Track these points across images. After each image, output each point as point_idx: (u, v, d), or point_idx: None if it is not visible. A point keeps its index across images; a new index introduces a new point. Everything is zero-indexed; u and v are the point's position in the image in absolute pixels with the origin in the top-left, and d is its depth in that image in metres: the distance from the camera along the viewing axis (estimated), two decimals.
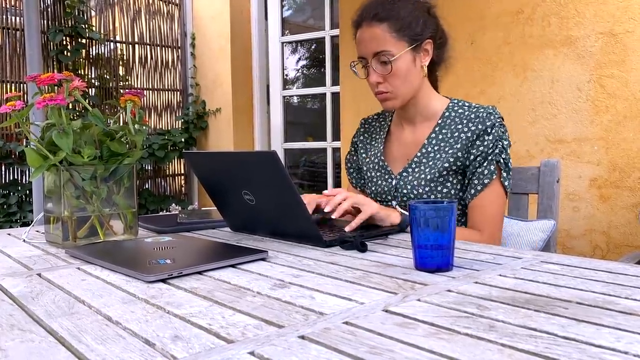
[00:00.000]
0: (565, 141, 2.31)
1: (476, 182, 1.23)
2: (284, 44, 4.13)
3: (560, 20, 2.30)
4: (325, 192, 1.20)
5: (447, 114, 1.30)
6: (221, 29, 4.21)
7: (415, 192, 1.28)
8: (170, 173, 4.58)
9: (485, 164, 1.22)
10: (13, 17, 3.78)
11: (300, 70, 4.33)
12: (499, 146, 1.23)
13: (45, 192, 1.10)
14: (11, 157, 3.75)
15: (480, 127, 1.23)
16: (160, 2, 4.43)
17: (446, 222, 0.77)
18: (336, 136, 3.74)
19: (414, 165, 1.31)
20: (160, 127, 4.46)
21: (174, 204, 4.33)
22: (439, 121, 1.30)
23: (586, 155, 2.25)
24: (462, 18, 2.60)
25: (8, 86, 3.76)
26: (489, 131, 1.23)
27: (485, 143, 1.22)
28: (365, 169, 1.44)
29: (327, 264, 0.85)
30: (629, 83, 2.13)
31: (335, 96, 3.69)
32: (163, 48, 4.47)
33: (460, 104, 1.32)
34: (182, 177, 4.65)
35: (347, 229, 1.09)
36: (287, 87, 4.20)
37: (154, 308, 0.63)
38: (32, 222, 1.26)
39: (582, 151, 2.26)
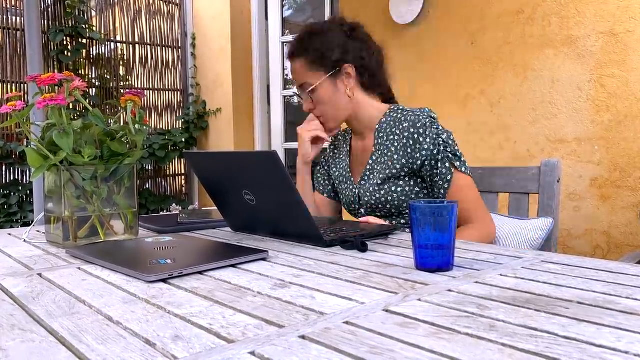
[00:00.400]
0: (565, 141, 2.31)
1: (440, 183, 1.28)
2: (285, 44, 4.13)
3: (561, 20, 2.30)
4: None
5: (383, 119, 1.38)
6: (222, 29, 4.21)
7: (374, 197, 1.34)
8: (171, 173, 4.58)
9: (439, 165, 1.27)
10: (14, 17, 3.79)
11: None
12: (440, 142, 1.27)
13: (45, 192, 1.10)
14: (12, 157, 3.75)
15: (412, 130, 1.28)
16: (161, 2, 4.43)
17: (447, 222, 0.77)
18: None
19: (367, 173, 1.38)
20: (161, 127, 4.46)
21: (174, 204, 4.33)
22: (377, 127, 1.38)
23: (587, 155, 2.25)
24: (463, 18, 2.60)
25: (9, 86, 3.76)
26: (422, 132, 1.28)
27: (426, 146, 1.27)
28: (336, 182, 1.52)
29: (328, 264, 0.85)
30: (630, 83, 2.13)
31: None
32: (163, 48, 4.47)
33: (395, 109, 1.38)
34: (183, 177, 4.65)
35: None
36: (287, 87, 4.20)
37: (155, 308, 0.63)
38: (32, 222, 1.26)
39: (583, 151, 2.26)
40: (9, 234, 1.23)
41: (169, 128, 4.47)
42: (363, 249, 0.94)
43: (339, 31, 1.37)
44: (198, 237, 1.14)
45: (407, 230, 1.28)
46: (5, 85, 3.74)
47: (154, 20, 4.42)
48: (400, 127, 1.31)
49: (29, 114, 1.05)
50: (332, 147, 1.59)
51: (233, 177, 1.08)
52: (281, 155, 4.13)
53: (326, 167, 1.59)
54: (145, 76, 4.40)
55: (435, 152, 1.27)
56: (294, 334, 0.53)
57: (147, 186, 4.41)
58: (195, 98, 4.49)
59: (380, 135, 1.36)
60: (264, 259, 0.89)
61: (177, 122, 4.51)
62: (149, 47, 4.40)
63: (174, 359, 0.47)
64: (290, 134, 4.18)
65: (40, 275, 0.81)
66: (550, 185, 1.41)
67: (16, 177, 3.81)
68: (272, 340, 0.51)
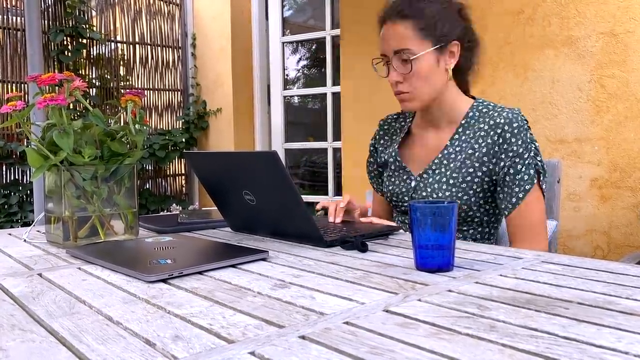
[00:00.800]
0: (566, 141, 2.31)
1: (517, 189, 1.16)
2: (285, 44, 4.13)
3: (561, 20, 2.30)
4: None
5: (470, 114, 1.25)
6: (222, 29, 4.21)
7: (435, 195, 1.23)
8: (171, 173, 4.58)
9: (523, 169, 1.16)
10: (14, 17, 3.79)
11: (300, 70, 4.33)
12: (532, 149, 1.17)
13: (46, 192, 1.10)
14: (12, 157, 3.75)
15: (507, 128, 1.17)
16: (161, 2, 4.43)
17: (447, 223, 0.77)
18: (337, 136, 3.74)
19: (434, 167, 1.26)
20: (161, 127, 4.46)
21: (174, 204, 4.33)
22: (463, 122, 1.25)
23: (587, 155, 2.25)
24: None
25: (9, 86, 3.76)
26: (517, 133, 1.17)
27: (515, 148, 1.16)
28: (382, 168, 1.41)
29: (328, 264, 0.85)
30: (630, 83, 2.13)
31: (336, 96, 3.69)
32: (164, 48, 4.47)
33: (485, 103, 1.26)
34: (183, 177, 4.65)
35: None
36: (287, 87, 4.20)
37: (155, 308, 0.63)
38: (32, 222, 1.26)
39: (583, 151, 2.26)
40: (9, 234, 1.23)
41: (169, 128, 4.47)
42: (363, 249, 0.94)
43: (451, 5, 1.24)
44: (198, 237, 1.14)
45: (470, 240, 1.22)
46: (5, 85, 3.74)
47: (154, 20, 4.42)
48: (492, 122, 1.19)
49: (29, 114, 1.05)
50: (381, 132, 1.44)
51: (233, 177, 1.08)
52: (281, 155, 4.13)
53: (375, 162, 1.45)
54: (146, 76, 4.40)
55: (525, 155, 1.16)
56: (294, 334, 0.53)
57: (147, 186, 4.41)
58: (195, 98, 4.49)
59: (467, 131, 1.24)
60: (264, 259, 0.89)
61: (177, 122, 4.51)
62: (149, 47, 4.40)
63: (174, 359, 0.47)
64: (291, 134, 4.18)
65: (40, 275, 0.81)
66: (550, 186, 1.41)
67: (16, 177, 3.81)
68: (272, 341, 0.51)
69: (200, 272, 0.80)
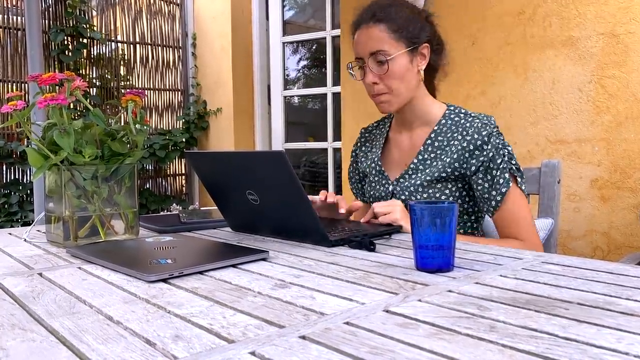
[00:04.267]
0: (566, 142, 2.31)
1: (494, 193, 1.21)
2: (285, 44, 4.13)
3: (562, 20, 2.30)
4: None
5: (443, 121, 1.31)
6: (222, 29, 4.21)
7: (413, 198, 1.29)
8: (171, 173, 4.58)
9: (498, 174, 1.21)
10: (14, 17, 3.79)
11: (301, 71, 4.33)
12: (505, 154, 1.22)
13: (46, 191, 1.10)
14: (12, 156, 3.75)
15: (476, 136, 1.23)
16: (162, 2, 4.43)
17: (447, 223, 0.77)
18: (337, 136, 3.74)
19: (410, 172, 1.31)
20: (161, 127, 4.46)
21: (175, 204, 4.33)
22: (435, 127, 1.31)
23: (587, 156, 2.25)
24: (463, 18, 2.60)
25: (9, 86, 3.76)
26: (487, 141, 1.22)
27: (485, 153, 1.21)
28: (364, 175, 1.46)
29: (328, 264, 0.85)
30: (630, 84, 2.13)
31: (336, 96, 3.69)
32: (164, 48, 4.47)
33: (456, 111, 1.32)
34: (183, 177, 4.65)
35: (362, 220, 1.18)
36: (288, 87, 4.20)
37: (155, 308, 0.63)
38: (33, 221, 1.26)
39: (583, 152, 2.26)
40: (10, 234, 1.23)
41: (170, 128, 4.47)
42: (372, 248, 0.94)
43: (419, 11, 1.32)
44: (198, 237, 1.14)
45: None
46: (6, 85, 3.74)
47: (155, 20, 4.42)
48: (464, 132, 1.25)
49: (29, 114, 1.05)
50: (362, 139, 1.51)
51: (236, 177, 1.08)
52: None
53: (356, 168, 1.51)
54: (146, 76, 4.40)
55: (498, 160, 1.21)
56: (294, 334, 0.53)
57: (148, 186, 4.41)
58: (195, 98, 4.49)
59: (439, 138, 1.29)
60: (264, 259, 0.89)
61: (178, 122, 4.51)
62: (149, 47, 4.40)
63: (174, 358, 0.47)
64: (291, 134, 4.18)
65: (40, 274, 0.81)
66: (550, 186, 1.41)
67: (16, 177, 3.81)
68: (273, 341, 0.51)
69: (200, 272, 0.80)
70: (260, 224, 1.14)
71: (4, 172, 3.77)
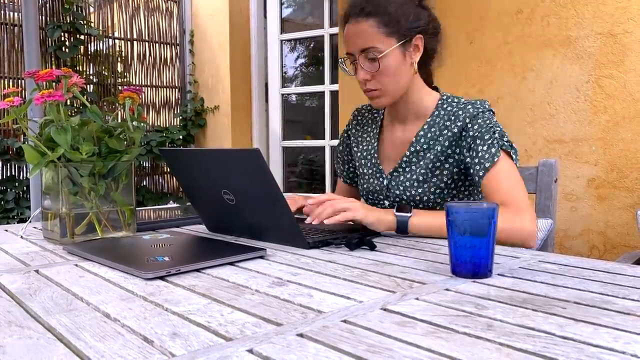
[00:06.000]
0: (563, 141, 2.31)
1: (482, 160, 1.15)
2: (283, 41, 4.13)
3: (559, 20, 2.30)
4: (310, 201, 1.13)
5: (436, 112, 1.27)
6: (220, 26, 4.20)
7: (408, 193, 1.26)
8: (168, 170, 4.57)
9: (485, 148, 1.15)
10: (11, 13, 3.77)
11: (299, 69, 4.32)
12: (497, 131, 1.17)
13: (43, 188, 1.10)
14: (9, 153, 3.74)
15: (467, 121, 1.19)
16: None
17: (485, 227, 0.73)
18: (334, 134, 3.74)
19: (404, 165, 1.28)
20: (159, 124, 4.45)
21: (171, 201, 4.32)
22: (429, 119, 1.27)
23: (584, 155, 2.26)
24: (462, 18, 2.60)
25: (6, 82, 3.75)
26: (476, 121, 1.18)
27: (476, 127, 1.17)
28: (357, 164, 1.41)
29: (326, 262, 0.85)
30: (628, 84, 2.14)
31: (334, 94, 3.68)
32: (162, 45, 4.46)
33: (449, 100, 1.27)
34: None
35: (308, 221, 1.06)
36: (285, 85, 4.19)
37: (152, 305, 0.63)
38: (29, 218, 1.26)
39: (580, 151, 2.26)
40: (6, 230, 1.23)
41: (167, 125, 4.46)
42: (372, 247, 0.94)
43: None
44: (195, 234, 1.14)
45: None
46: (2, 81, 3.73)
47: (152, 17, 4.41)
48: (457, 120, 1.21)
49: (26, 110, 1.04)
50: (354, 122, 1.46)
51: (212, 175, 1.04)
52: (279, 153, 4.13)
53: (346, 149, 1.46)
54: (143, 73, 4.38)
55: (487, 137, 1.15)
56: (292, 332, 0.53)
57: (145, 183, 4.41)
58: (193, 95, 4.48)
59: (432, 129, 1.25)
60: (261, 257, 0.89)
61: (175, 119, 4.50)
62: (147, 43, 4.38)
63: (171, 356, 0.47)
64: (288, 132, 4.17)
65: (37, 271, 0.81)
66: (547, 186, 1.41)
67: (13, 174, 3.80)
68: (270, 338, 0.51)
69: (197, 270, 0.80)
70: (236, 224, 1.10)
71: (1, 168, 3.75)
